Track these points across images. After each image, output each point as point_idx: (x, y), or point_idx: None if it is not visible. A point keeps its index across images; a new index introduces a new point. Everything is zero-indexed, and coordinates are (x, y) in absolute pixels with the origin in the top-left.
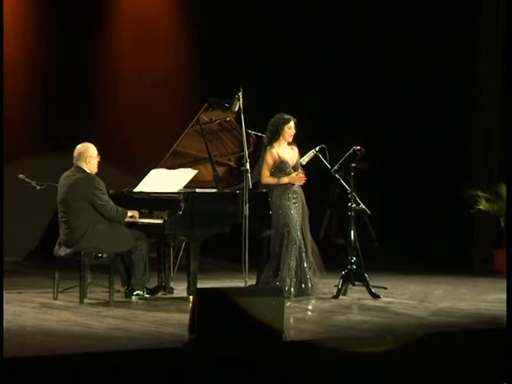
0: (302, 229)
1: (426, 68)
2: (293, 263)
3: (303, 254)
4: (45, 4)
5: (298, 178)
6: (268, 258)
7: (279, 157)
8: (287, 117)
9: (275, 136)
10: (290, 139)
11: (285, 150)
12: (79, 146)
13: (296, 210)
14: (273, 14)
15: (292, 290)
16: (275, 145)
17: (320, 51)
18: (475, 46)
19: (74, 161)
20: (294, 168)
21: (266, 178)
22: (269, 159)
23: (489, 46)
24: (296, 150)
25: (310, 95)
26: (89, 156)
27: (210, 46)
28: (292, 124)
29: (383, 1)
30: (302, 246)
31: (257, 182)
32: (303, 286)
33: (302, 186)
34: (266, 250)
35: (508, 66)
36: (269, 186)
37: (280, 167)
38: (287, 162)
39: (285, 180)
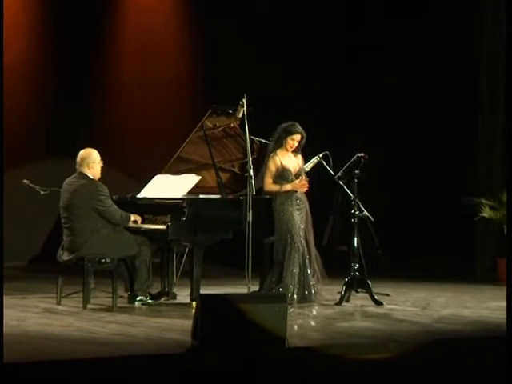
0: (305, 235)
1: (428, 74)
2: (296, 270)
3: (306, 261)
4: (48, 8)
5: (301, 186)
6: (271, 265)
7: (282, 164)
8: (294, 129)
9: (278, 143)
10: (291, 149)
11: (288, 158)
12: (82, 152)
13: (300, 217)
14: (277, 20)
15: (295, 296)
16: (278, 152)
17: (323, 53)
18: (477, 48)
19: (77, 166)
20: (297, 175)
21: (269, 185)
22: (271, 166)
23: (491, 48)
24: (300, 156)
25: (314, 101)
26: (91, 162)
27: (213, 52)
28: (297, 137)
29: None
30: (306, 253)
31: (260, 189)
32: (306, 292)
33: (305, 193)
34: (268, 257)
35: (509, 72)
36: (271, 193)
37: (282, 175)
38: (289, 170)
39: (287, 187)
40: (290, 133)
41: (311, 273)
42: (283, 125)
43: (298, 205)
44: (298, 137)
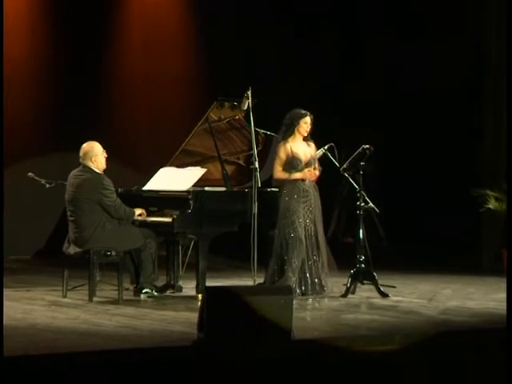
0: (312, 226)
1: (433, 68)
2: (298, 262)
3: (309, 253)
4: (53, 5)
5: (310, 174)
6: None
7: (292, 152)
8: (304, 112)
9: (290, 130)
10: (305, 134)
11: (299, 146)
12: (84, 145)
13: (305, 210)
14: (282, 17)
15: (297, 289)
16: (290, 139)
17: (327, 52)
18: (482, 46)
19: (81, 160)
20: (308, 164)
21: (278, 172)
22: (282, 154)
23: (497, 45)
24: (313, 145)
25: (320, 96)
26: (94, 155)
27: (218, 49)
28: (308, 119)
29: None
30: (309, 245)
31: (265, 181)
32: (310, 285)
33: (316, 182)
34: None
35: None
36: (280, 181)
37: (292, 163)
38: (299, 159)
39: (297, 175)
40: (301, 117)
41: (316, 264)
42: (290, 113)
43: (305, 197)
44: (309, 119)
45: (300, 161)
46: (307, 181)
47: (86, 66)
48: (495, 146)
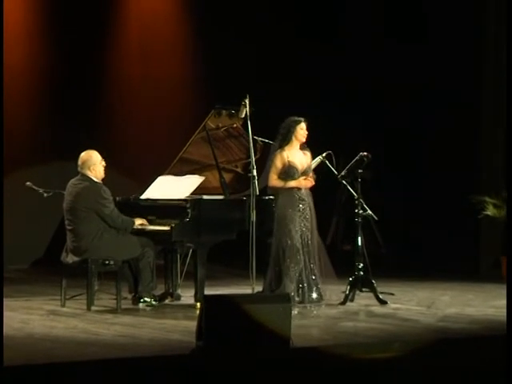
0: (309, 234)
1: (431, 72)
2: (295, 270)
3: (307, 261)
4: (50, 11)
5: (305, 182)
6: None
7: (288, 161)
8: (298, 118)
9: (287, 137)
10: (303, 139)
11: (295, 154)
12: (82, 154)
13: (301, 218)
14: (281, 22)
15: (296, 297)
16: (286, 148)
17: (327, 51)
18: (481, 49)
19: (79, 169)
20: (304, 173)
21: (274, 180)
22: (278, 163)
23: (495, 48)
24: (308, 154)
25: (320, 97)
26: (92, 164)
27: (216, 54)
28: (303, 125)
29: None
30: (305, 253)
31: (264, 189)
32: (307, 292)
33: (310, 189)
34: None
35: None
36: (275, 189)
37: (288, 172)
38: (295, 168)
39: (292, 184)
40: (297, 123)
41: (313, 272)
42: (285, 121)
43: (300, 205)
44: (304, 125)
45: (296, 169)
46: (303, 189)
47: (85, 74)
48: (493, 153)
